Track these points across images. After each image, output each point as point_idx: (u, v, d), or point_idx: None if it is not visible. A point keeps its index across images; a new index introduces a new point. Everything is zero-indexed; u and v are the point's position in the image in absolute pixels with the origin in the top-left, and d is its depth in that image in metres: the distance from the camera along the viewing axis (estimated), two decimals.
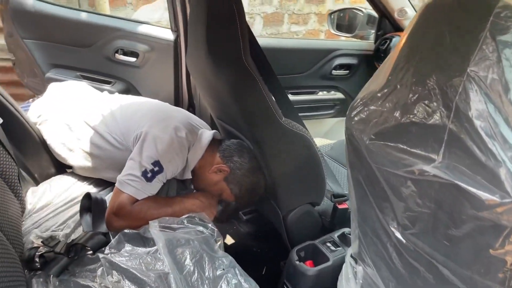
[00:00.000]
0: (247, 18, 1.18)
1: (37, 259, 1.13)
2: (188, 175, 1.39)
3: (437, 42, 0.74)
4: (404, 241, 0.90)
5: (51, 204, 1.42)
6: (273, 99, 1.21)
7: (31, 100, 1.68)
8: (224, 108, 1.40)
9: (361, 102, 0.92)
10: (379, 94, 0.86)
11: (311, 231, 1.46)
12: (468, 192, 0.69)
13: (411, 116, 0.77)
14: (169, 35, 1.79)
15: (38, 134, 1.52)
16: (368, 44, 2.35)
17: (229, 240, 1.76)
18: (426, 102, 0.74)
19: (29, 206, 1.42)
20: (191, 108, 1.89)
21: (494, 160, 0.66)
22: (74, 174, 1.55)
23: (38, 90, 1.89)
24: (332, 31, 2.45)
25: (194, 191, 1.51)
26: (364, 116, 0.90)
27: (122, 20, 1.88)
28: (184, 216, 1.26)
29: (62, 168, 1.59)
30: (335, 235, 1.41)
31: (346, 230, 1.42)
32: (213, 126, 1.73)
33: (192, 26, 1.29)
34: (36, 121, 1.55)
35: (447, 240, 0.80)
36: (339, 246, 1.36)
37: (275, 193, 1.38)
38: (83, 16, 1.84)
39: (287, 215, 1.41)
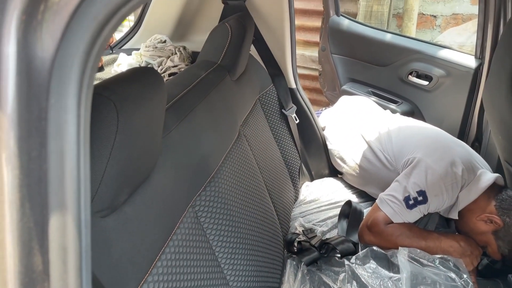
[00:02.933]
0: None
1: (295, 244, 1.30)
2: (455, 215, 1.27)
3: None
4: None
5: (318, 201, 1.60)
6: None
7: (324, 108, 1.92)
8: None
9: None
10: None
11: None
12: None
13: None
14: (470, 62, 1.66)
15: (322, 139, 1.74)
16: None
17: None
18: None
19: (301, 197, 1.65)
20: (477, 143, 1.69)
21: None
22: (343, 181, 1.69)
23: (333, 101, 2.14)
24: None
25: (456, 233, 1.37)
26: None
27: (423, 43, 1.87)
28: (437, 256, 1.17)
29: (335, 172, 1.76)
30: None
31: None
32: (498, 170, 1.50)
33: (500, 54, 1.15)
34: (323, 126, 1.77)
35: None
36: None
37: None
38: (388, 37, 1.94)
39: None
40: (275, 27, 1.55)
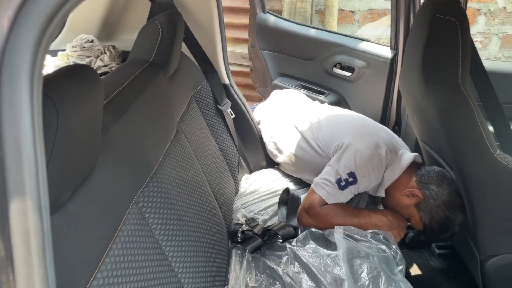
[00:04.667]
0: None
1: (239, 234, 1.34)
2: (382, 193, 1.40)
3: None
4: None
5: (258, 191, 1.66)
6: (489, 128, 1.10)
7: (258, 103, 1.99)
8: (430, 132, 1.34)
9: None
10: None
11: None
12: None
13: None
14: (387, 53, 1.82)
15: (258, 132, 1.80)
16: None
17: (414, 271, 1.66)
18: None
19: (241, 189, 1.70)
20: (397, 127, 1.86)
21: None
22: (280, 170, 1.76)
23: (265, 96, 2.21)
24: None
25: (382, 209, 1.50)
26: None
27: (344, 37, 2.01)
28: (368, 231, 1.27)
29: (272, 163, 1.83)
30: None
31: None
32: (416, 149, 1.66)
33: (411, 44, 1.29)
34: (258, 120, 1.83)
35: None
36: None
37: (474, 232, 1.24)
38: (312, 32, 2.05)
39: (485, 261, 1.25)
40: (205, 24, 1.58)
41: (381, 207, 1.52)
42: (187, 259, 0.99)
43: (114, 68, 1.68)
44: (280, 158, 1.70)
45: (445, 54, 1.11)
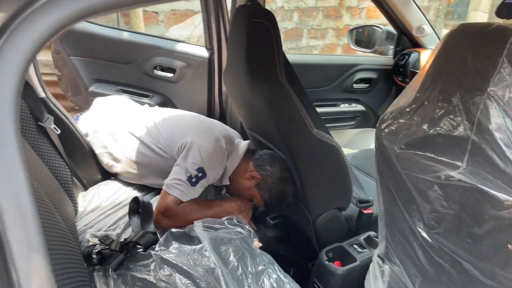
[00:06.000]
0: None
1: (94, 256, 1.25)
2: (226, 181, 1.52)
3: (461, 64, 0.86)
4: (429, 240, 1.00)
5: (100, 207, 1.55)
6: (305, 112, 1.33)
7: (79, 114, 1.83)
8: (258, 121, 1.52)
9: (390, 116, 1.03)
10: (407, 109, 0.98)
11: (338, 234, 1.57)
12: (489, 194, 0.80)
13: (438, 128, 0.88)
14: (204, 52, 1.94)
15: (87, 145, 1.67)
16: (387, 59, 2.46)
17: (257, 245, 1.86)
18: (451, 116, 0.86)
19: (80, 209, 1.56)
20: (222, 119, 2.02)
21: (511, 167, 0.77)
22: (119, 180, 1.69)
23: (81, 104, 2.05)
24: (352, 47, 2.58)
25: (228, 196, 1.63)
26: (394, 128, 1.01)
27: (161, 39, 2.04)
28: (224, 218, 1.38)
29: (107, 175, 1.73)
30: (361, 238, 1.51)
31: (371, 233, 1.52)
32: (243, 136, 1.85)
33: (232, 46, 1.42)
34: (85, 132, 1.70)
35: (470, 238, 0.90)
36: (365, 248, 1.46)
37: (305, 198, 1.49)
38: (125, 35, 2.00)
39: (316, 219, 1.52)
40: None
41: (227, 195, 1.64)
42: None
43: None
44: (118, 168, 1.63)
45: (264, 53, 1.28)
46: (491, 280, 0.89)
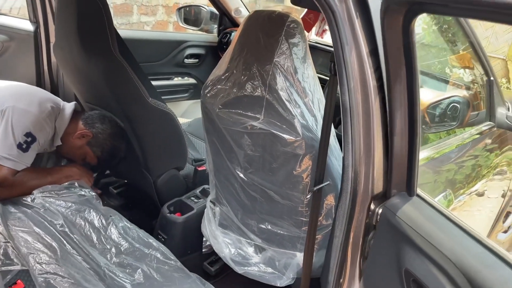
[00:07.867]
0: None
1: None
2: (58, 142, 1.53)
3: (256, 42, 1.14)
4: (245, 179, 1.30)
5: None
6: (141, 83, 1.48)
7: None
8: (96, 93, 1.60)
9: (211, 83, 1.28)
10: (222, 77, 1.23)
11: (177, 191, 1.78)
12: (279, 136, 1.11)
13: (243, 91, 1.16)
14: (28, 26, 1.85)
15: None
16: (213, 37, 2.73)
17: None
18: (252, 81, 1.14)
19: None
20: (55, 94, 1.98)
21: (291, 115, 1.10)
22: None
23: None
24: (181, 24, 2.76)
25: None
26: (213, 93, 1.25)
27: None
28: (66, 183, 1.44)
29: None
30: (197, 190, 1.76)
31: (205, 186, 1.77)
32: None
33: (62, 20, 1.45)
34: None
35: (271, 171, 1.22)
36: (200, 198, 1.71)
37: (145, 162, 1.65)
38: None
39: (157, 180, 1.70)
40: None
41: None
42: None
43: None
44: None
45: (96, 28, 1.36)
46: (286, 200, 1.23)
